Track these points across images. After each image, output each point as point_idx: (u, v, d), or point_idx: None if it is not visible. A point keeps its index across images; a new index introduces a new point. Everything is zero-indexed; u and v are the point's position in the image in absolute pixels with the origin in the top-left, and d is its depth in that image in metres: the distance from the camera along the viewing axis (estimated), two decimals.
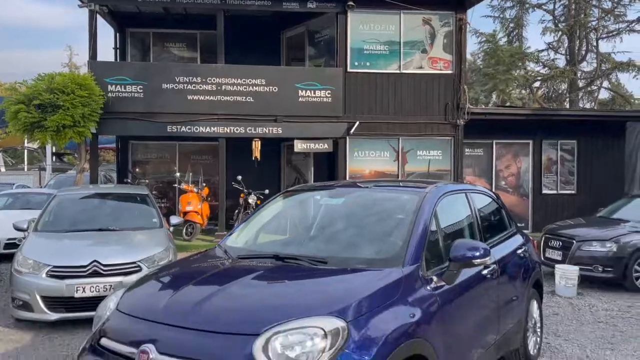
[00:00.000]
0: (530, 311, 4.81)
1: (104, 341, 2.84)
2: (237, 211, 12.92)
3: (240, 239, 4.03)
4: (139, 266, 6.11)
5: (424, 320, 2.95)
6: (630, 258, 8.06)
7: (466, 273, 3.56)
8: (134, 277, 6.02)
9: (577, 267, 7.97)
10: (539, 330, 5.09)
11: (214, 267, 3.45)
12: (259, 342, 2.45)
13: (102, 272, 5.96)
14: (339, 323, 2.54)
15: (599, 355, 5.22)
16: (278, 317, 2.56)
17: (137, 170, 14.76)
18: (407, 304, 2.93)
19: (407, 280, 3.05)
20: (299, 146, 12.41)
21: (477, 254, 3.37)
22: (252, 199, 12.63)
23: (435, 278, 3.27)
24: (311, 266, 3.23)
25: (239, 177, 12.61)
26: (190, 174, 13.61)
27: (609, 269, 8.12)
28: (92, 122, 11.06)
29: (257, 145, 12.33)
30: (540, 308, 5.16)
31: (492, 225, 4.57)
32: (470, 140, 13.26)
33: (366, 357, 2.51)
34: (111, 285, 5.87)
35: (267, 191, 12.88)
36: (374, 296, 2.81)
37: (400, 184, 4.86)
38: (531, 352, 4.82)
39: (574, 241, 8.51)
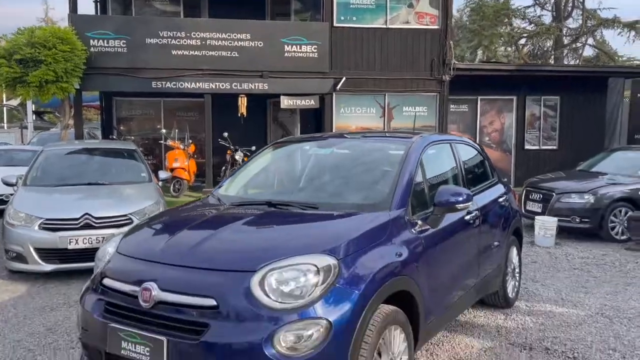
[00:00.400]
0: (509, 257, 5.04)
1: (107, 281, 2.97)
2: (224, 168, 12.99)
3: (232, 188, 4.15)
4: (130, 219, 6.22)
5: (409, 260, 3.13)
6: (606, 209, 8.37)
7: (450, 218, 3.73)
8: (125, 230, 6.17)
9: (555, 218, 8.26)
10: (517, 275, 5.34)
11: (209, 213, 3.57)
12: (255, 278, 2.60)
13: (94, 224, 6.07)
14: (331, 260, 2.69)
15: (573, 297, 5.51)
16: (273, 255, 2.71)
17: (121, 127, 14.66)
18: (394, 244, 3.10)
19: (393, 223, 3.21)
20: (285, 102, 12.41)
21: (460, 199, 3.53)
22: (238, 156, 12.68)
23: (420, 222, 3.43)
24: (303, 211, 3.37)
25: (226, 134, 12.62)
26: (176, 130, 13.58)
27: (586, 220, 8.43)
28: (75, 78, 10.90)
29: (243, 102, 12.31)
30: (519, 254, 5.40)
31: (475, 174, 4.73)
32: (455, 96, 13.35)
33: (356, 291, 2.68)
34: (103, 237, 5.98)
35: (253, 148, 12.93)
36: (363, 237, 2.97)
37: (387, 134, 4.98)
38: (510, 295, 5.08)
39: (554, 193, 8.79)
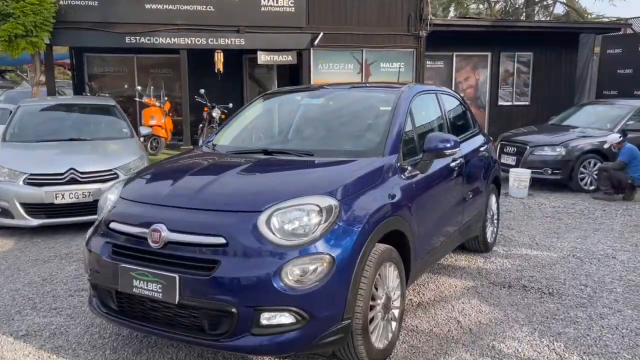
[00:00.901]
0: (489, 204, 5.29)
1: (114, 225, 3.06)
2: (201, 125, 12.91)
3: (224, 138, 4.23)
4: (115, 174, 6.25)
5: (401, 202, 3.30)
6: (576, 161, 8.72)
7: (437, 164, 3.90)
8: (110, 185, 6.23)
9: (529, 170, 8.58)
10: (495, 221, 5.62)
11: (207, 161, 3.66)
12: (262, 217, 2.74)
13: (79, 179, 6.08)
14: (332, 201, 2.84)
15: (546, 242, 5.83)
16: (278, 196, 2.84)
17: (93, 84, 14.34)
18: (387, 187, 3.26)
19: (387, 168, 3.36)
20: (262, 58, 12.31)
21: (448, 145, 3.69)
22: (216, 113, 12.59)
23: (410, 167, 3.60)
24: (300, 158, 3.50)
25: (202, 91, 12.50)
26: (152, 87, 13.36)
27: (558, 171, 8.78)
28: (45, 32, 10.58)
29: (219, 57, 12.15)
30: (497, 202, 5.66)
31: (458, 124, 4.90)
32: (431, 52, 13.43)
33: (355, 230, 2.84)
34: (90, 192, 6.03)
35: (230, 105, 12.88)
36: (360, 180, 3.12)
37: (376, 85, 5.05)
38: (489, 240, 5.36)
39: (527, 146, 9.08)
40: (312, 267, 2.66)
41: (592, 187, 8.76)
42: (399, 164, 3.49)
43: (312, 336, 2.69)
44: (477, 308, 3.97)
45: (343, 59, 12.85)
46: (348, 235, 2.81)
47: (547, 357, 3.24)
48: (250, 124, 4.39)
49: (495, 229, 5.61)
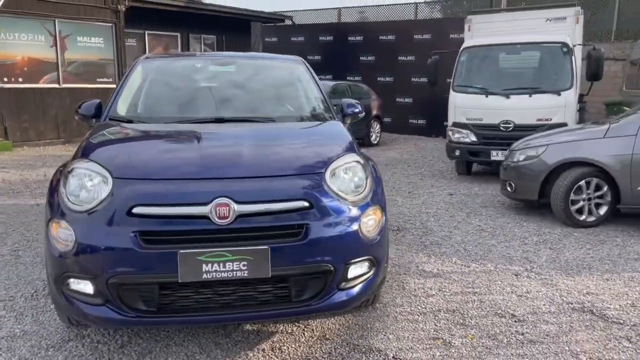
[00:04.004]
0: None
1: (140, 210, 2.43)
2: None
3: (136, 109, 3.58)
4: None
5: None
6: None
7: None
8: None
9: None
10: None
11: (188, 131, 3.15)
12: (327, 174, 2.76)
13: None
14: (361, 158, 3.06)
15: (389, 200, 6.82)
16: (328, 156, 2.90)
17: None
18: (355, 145, 3.60)
19: (346, 129, 3.66)
20: None
21: (357, 110, 4.20)
22: None
23: None
24: (294, 124, 3.54)
25: None
26: None
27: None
28: None
29: None
30: None
31: None
32: (125, 29, 12.80)
33: (377, 180, 3.13)
34: None
35: None
36: (352, 140, 3.36)
37: (265, 55, 4.88)
38: None
39: None
40: (375, 217, 2.86)
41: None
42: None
43: (376, 281, 2.90)
44: (390, 247, 4.62)
45: (32, 29, 10.96)
46: (378, 187, 3.08)
47: (472, 268, 4.20)
48: (152, 93, 3.76)
49: None
